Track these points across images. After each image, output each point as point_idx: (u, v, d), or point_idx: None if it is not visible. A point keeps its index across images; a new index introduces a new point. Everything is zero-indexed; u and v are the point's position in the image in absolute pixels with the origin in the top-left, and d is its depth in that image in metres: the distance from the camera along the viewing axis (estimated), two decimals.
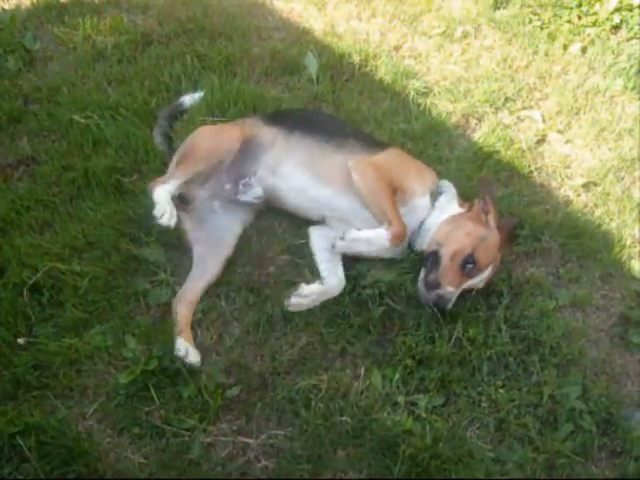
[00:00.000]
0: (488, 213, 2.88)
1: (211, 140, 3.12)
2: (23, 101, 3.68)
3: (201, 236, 3.01)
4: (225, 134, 3.15)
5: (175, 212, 2.86)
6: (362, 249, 2.82)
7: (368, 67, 3.96)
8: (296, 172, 3.02)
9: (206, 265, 2.92)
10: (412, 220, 2.92)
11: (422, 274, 2.81)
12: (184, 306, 2.80)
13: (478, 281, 2.80)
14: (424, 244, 2.91)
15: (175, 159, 3.12)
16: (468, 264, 2.74)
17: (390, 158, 3.03)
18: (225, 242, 3.00)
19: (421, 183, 3.00)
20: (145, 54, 3.98)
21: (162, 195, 2.86)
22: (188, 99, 3.60)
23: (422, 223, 2.94)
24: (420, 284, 2.79)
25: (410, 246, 2.96)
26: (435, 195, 2.98)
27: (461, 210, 2.96)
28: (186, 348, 2.64)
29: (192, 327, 2.77)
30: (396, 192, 2.91)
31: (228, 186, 3.08)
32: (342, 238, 2.79)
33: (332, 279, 2.86)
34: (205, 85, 3.68)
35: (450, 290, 2.72)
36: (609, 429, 2.58)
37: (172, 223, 2.82)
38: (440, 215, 2.93)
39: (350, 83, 3.86)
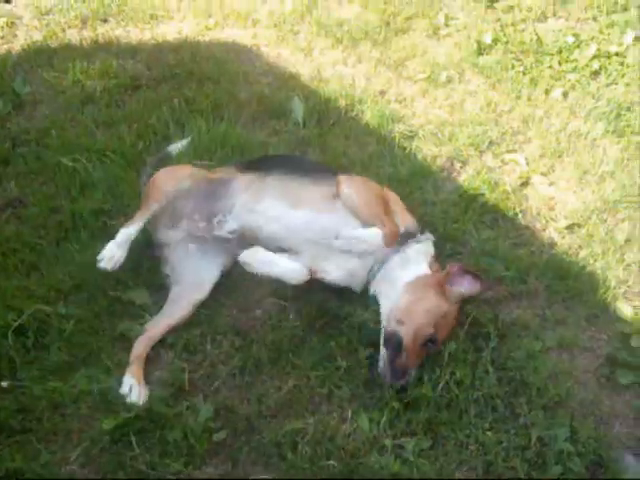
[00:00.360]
0: (453, 285, 2.84)
1: (162, 180, 3.14)
2: (11, 144, 3.71)
3: (179, 278, 3.02)
4: (175, 172, 3.21)
5: (122, 258, 2.90)
6: (357, 248, 2.83)
7: (354, 111, 4.02)
8: (273, 204, 3.03)
9: (176, 305, 2.94)
10: (368, 255, 2.92)
11: (384, 357, 2.73)
12: (143, 340, 2.80)
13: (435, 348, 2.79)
14: (383, 292, 2.90)
15: None
16: (430, 343, 2.73)
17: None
18: (200, 286, 3.01)
19: (402, 214, 3.02)
20: (134, 98, 4.03)
21: (120, 238, 2.92)
22: (174, 147, 3.62)
23: (385, 264, 2.92)
24: (384, 369, 2.72)
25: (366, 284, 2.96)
26: (404, 238, 2.94)
27: (427, 272, 2.91)
28: (130, 385, 2.64)
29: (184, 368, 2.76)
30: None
31: (202, 224, 3.09)
32: (337, 237, 2.81)
33: (291, 262, 2.88)
34: (192, 129, 3.72)
35: (413, 371, 2.72)
36: (598, 471, 2.56)
37: (110, 267, 2.86)
38: (407, 267, 2.90)
39: (336, 127, 3.91)
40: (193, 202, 3.11)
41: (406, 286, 2.84)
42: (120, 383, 2.65)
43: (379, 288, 2.92)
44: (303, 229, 2.97)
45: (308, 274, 2.88)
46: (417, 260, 2.93)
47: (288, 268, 2.86)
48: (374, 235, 2.81)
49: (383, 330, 2.79)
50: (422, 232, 3.03)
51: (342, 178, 2.99)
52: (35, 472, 2.39)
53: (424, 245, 2.98)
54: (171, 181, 3.12)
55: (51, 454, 2.48)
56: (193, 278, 3.01)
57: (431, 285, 2.83)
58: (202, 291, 2.99)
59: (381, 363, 2.74)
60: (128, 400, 2.59)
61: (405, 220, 3.01)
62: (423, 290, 2.82)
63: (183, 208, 3.11)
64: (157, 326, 2.85)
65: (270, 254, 2.88)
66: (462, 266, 2.87)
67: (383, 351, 2.74)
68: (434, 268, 2.94)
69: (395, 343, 2.70)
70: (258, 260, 2.87)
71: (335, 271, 2.95)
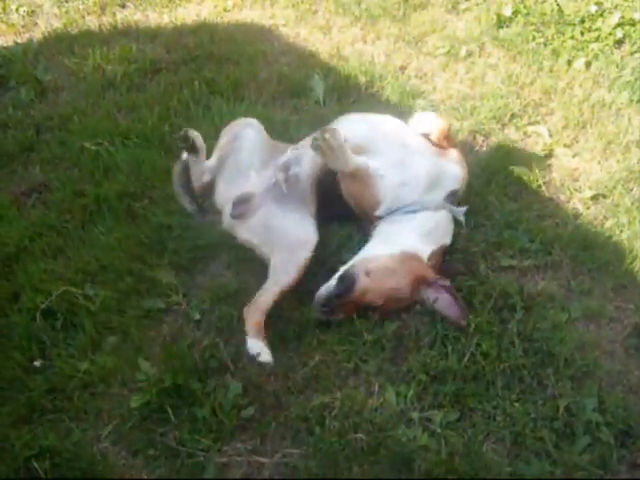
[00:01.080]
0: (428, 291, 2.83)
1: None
2: (35, 130, 3.75)
3: (272, 243, 2.95)
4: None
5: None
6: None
7: (374, 88, 4.00)
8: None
9: (281, 272, 2.89)
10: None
11: (329, 288, 2.77)
12: (254, 311, 2.81)
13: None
14: (378, 237, 2.92)
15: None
16: (369, 309, 2.78)
17: None
18: (301, 243, 2.90)
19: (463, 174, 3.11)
20: (154, 81, 4.05)
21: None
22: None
23: (415, 213, 2.92)
24: (321, 296, 2.77)
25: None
26: (452, 199, 3.00)
27: (425, 254, 2.89)
28: (260, 347, 2.71)
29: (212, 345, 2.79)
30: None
31: (279, 175, 3.05)
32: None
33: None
34: (213, 110, 3.73)
35: (339, 316, 2.78)
36: (627, 441, 2.54)
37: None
38: (417, 234, 2.91)
39: (357, 104, 3.89)
40: (259, 155, 3.16)
41: (400, 253, 2.83)
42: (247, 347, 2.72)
43: (382, 227, 2.93)
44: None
45: None
46: (428, 235, 2.93)
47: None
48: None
49: (346, 267, 2.81)
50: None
51: None
52: (68, 450, 2.42)
53: (446, 218, 2.99)
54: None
55: (83, 432, 2.52)
56: (289, 238, 2.92)
57: (415, 273, 2.82)
58: (306, 247, 2.89)
59: (323, 290, 2.76)
60: (260, 359, 2.68)
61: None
62: (406, 270, 2.81)
63: (250, 164, 3.15)
64: (266, 295, 2.83)
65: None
66: (451, 289, 2.81)
67: (333, 283, 2.77)
68: (432, 260, 2.91)
69: (348, 285, 2.74)
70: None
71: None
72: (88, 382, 2.64)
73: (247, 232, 3.00)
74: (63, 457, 2.40)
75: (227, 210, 3.06)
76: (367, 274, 2.77)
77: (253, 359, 2.67)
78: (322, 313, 2.77)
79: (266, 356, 2.69)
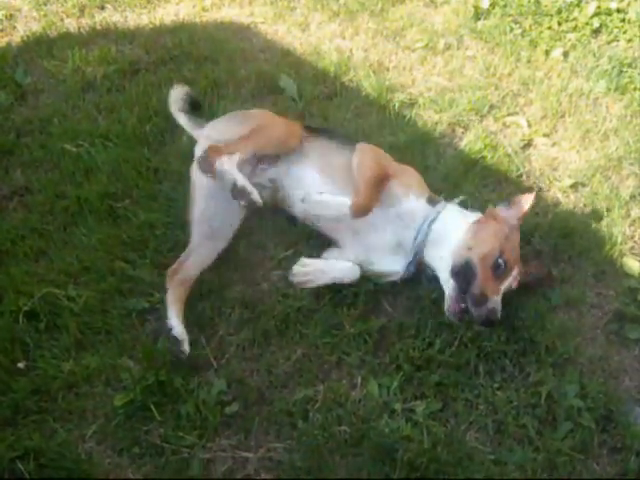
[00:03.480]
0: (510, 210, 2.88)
1: (285, 130, 3.14)
2: (16, 134, 3.72)
3: (207, 220, 3.00)
4: (294, 129, 3.18)
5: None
6: (323, 212, 2.81)
7: (353, 83, 4.01)
8: (307, 170, 3.05)
9: (204, 250, 2.97)
10: (409, 223, 2.88)
11: (451, 294, 2.72)
12: (178, 284, 2.87)
13: (511, 281, 2.75)
14: (441, 251, 2.82)
15: (234, 128, 3.12)
16: (500, 266, 2.70)
17: (395, 162, 3.09)
18: (225, 233, 3.02)
19: (418, 186, 2.98)
20: (133, 82, 4.03)
21: (234, 168, 2.85)
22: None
23: (429, 226, 2.85)
24: (452, 306, 2.71)
25: (415, 256, 2.88)
26: (434, 202, 2.92)
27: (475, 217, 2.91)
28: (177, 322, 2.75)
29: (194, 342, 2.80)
30: (388, 186, 2.90)
31: (247, 168, 3.01)
32: (303, 200, 2.80)
33: (340, 262, 2.89)
34: None
35: (496, 299, 2.67)
36: (608, 425, 2.58)
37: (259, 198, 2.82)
38: (456, 219, 2.88)
39: (336, 99, 3.90)
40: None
41: (466, 230, 2.82)
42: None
43: (431, 252, 2.86)
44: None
45: (359, 269, 2.88)
46: (463, 214, 2.94)
47: (343, 268, 2.88)
48: (340, 203, 2.78)
49: (450, 268, 2.75)
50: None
51: (359, 146, 3.02)
52: (53, 450, 2.43)
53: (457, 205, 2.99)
54: (292, 139, 3.13)
55: (67, 432, 2.53)
56: (220, 223, 3.00)
57: (487, 218, 2.87)
58: (226, 239, 3.03)
59: (447, 302, 2.73)
60: (173, 333, 2.71)
61: (423, 187, 3.00)
62: (482, 225, 2.83)
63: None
64: (190, 270, 2.90)
65: (319, 262, 2.89)
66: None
67: (448, 291, 2.73)
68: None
69: (466, 268, 2.70)
70: (312, 272, 2.85)
71: (379, 253, 2.94)
72: (72, 382, 2.65)
73: None
74: (48, 458, 2.41)
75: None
76: (469, 249, 2.75)
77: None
78: (483, 311, 2.65)
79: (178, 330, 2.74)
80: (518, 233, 2.86)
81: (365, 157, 2.95)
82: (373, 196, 2.82)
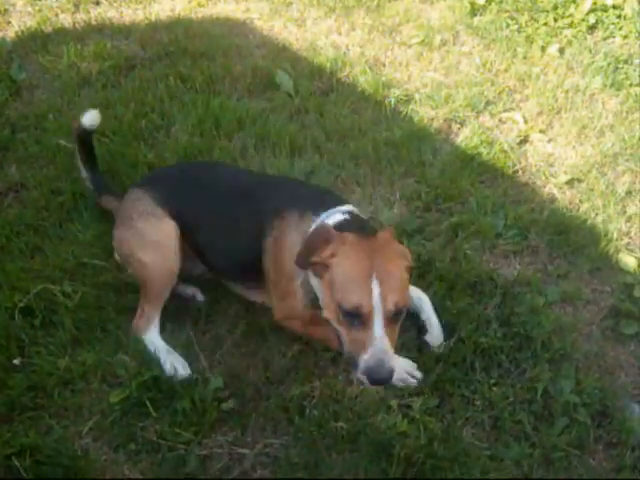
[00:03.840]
0: None
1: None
2: (11, 130, 3.72)
3: None
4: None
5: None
6: None
7: (349, 79, 4.01)
8: None
9: None
10: None
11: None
12: None
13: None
14: None
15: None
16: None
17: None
18: None
19: None
20: (129, 78, 4.03)
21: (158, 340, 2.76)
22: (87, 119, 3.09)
23: None
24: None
25: None
26: None
27: None
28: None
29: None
30: None
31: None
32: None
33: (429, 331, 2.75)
34: (188, 104, 3.73)
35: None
36: (604, 421, 2.58)
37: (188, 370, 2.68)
38: None
39: (332, 95, 3.90)
40: None
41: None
42: None
43: None
44: None
45: None
46: None
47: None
48: None
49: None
50: None
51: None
52: (49, 447, 2.42)
53: None
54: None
55: (63, 429, 2.51)
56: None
57: None
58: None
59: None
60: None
61: None
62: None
63: None
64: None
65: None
66: None
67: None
68: None
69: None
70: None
71: None
72: (68, 379, 2.64)
73: None
74: (44, 454, 2.40)
75: None
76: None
77: None
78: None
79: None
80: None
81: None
82: None
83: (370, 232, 2.44)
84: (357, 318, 2.19)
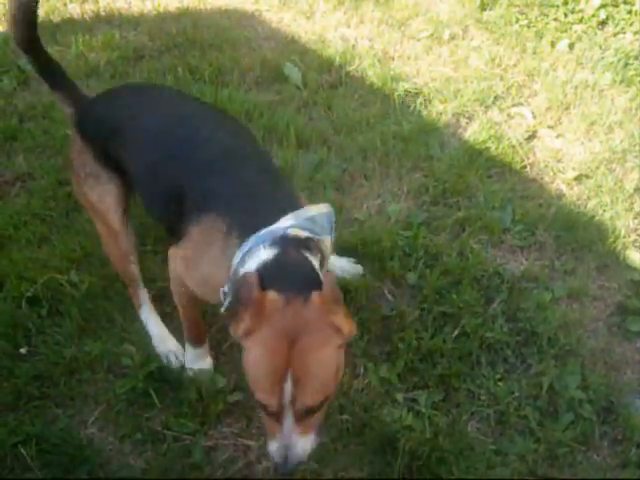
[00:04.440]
0: None
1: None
2: (18, 119, 3.72)
3: None
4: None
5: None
6: None
7: (358, 72, 4.00)
8: None
9: None
10: None
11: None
12: None
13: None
14: None
15: None
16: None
17: None
18: None
19: None
20: (137, 69, 4.03)
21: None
22: None
23: None
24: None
25: None
26: None
27: None
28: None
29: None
30: None
31: None
32: None
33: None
34: (196, 95, 3.72)
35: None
36: (609, 417, 2.58)
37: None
38: None
39: (340, 88, 3.89)
40: None
41: None
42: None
43: None
44: None
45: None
46: None
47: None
48: None
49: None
50: None
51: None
52: (55, 436, 2.43)
53: None
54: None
55: (69, 418, 2.52)
56: None
57: None
58: None
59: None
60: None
61: None
62: None
63: None
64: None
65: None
66: None
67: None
68: None
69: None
70: None
71: None
72: (74, 368, 2.64)
73: None
74: (50, 443, 2.40)
75: None
76: None
77: None
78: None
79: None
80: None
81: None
82: None
83: (302, 281, 1.89)
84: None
